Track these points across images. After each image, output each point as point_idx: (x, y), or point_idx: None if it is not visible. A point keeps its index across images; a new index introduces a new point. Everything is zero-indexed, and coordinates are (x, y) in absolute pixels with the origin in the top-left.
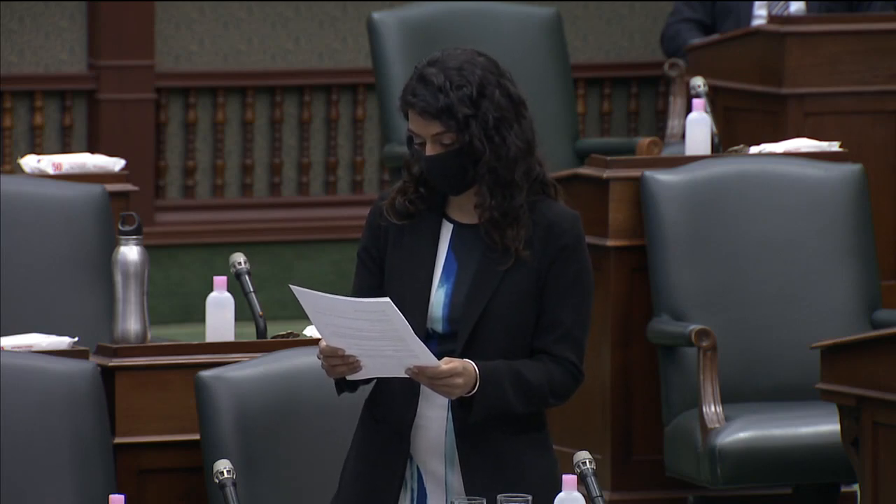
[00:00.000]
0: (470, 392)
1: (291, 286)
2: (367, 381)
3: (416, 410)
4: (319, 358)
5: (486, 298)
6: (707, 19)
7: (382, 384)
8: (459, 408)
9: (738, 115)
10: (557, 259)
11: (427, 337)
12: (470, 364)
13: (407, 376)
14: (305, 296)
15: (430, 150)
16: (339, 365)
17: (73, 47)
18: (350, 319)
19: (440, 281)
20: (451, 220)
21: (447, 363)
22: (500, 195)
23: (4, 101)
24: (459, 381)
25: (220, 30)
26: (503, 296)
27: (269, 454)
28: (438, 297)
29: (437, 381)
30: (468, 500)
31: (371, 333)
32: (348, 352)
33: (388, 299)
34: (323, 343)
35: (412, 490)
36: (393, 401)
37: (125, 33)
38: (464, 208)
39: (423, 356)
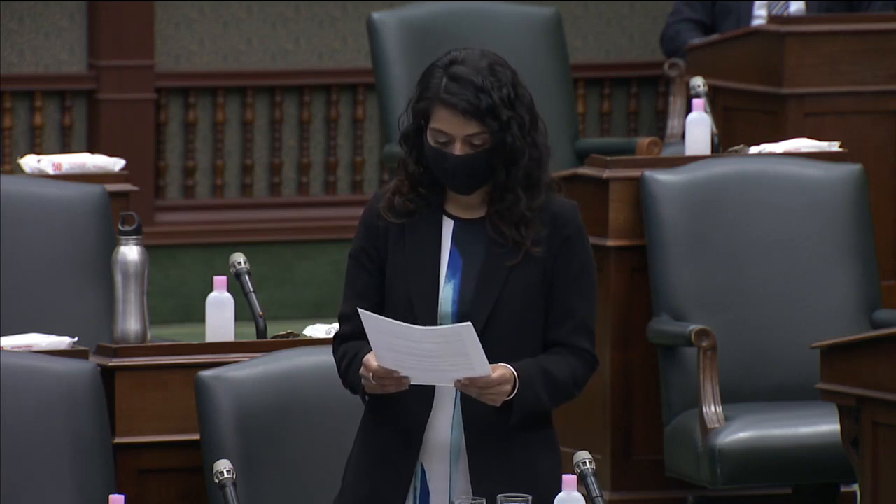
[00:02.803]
0: (509, 396)
1: (360, 310)
2: None
3: (431, 408)
4: (365, 376)
5: (497, 292)
6: (707, 19)
7: None
8: (497, 411)
9: (738, 115)
10: (563, 250)
11: None
12: (508, 369)
13: (451, 385)
14: (371, 320)
15: (460, 150)
16: (389, 385)
17: (73, 47)
18: (418, 343)
19: (447, 277)
20: (450, 216)
21: (496, 371)
22: (530, 196)
23: (4, 101)
24: (507, 387)
25: (220, 30)
26: (512, 288)
27: (269, 454)
28: (446, 292)
29: (487, 389)
30: (468, 500)
31: (436, 352)
32: (402, 372)
33: (469, 324)
34: (374, 364)
35: (415, 488)
36: (405, 399)
37: (125, 33)
38: (463, 204)
39: (479, 369)
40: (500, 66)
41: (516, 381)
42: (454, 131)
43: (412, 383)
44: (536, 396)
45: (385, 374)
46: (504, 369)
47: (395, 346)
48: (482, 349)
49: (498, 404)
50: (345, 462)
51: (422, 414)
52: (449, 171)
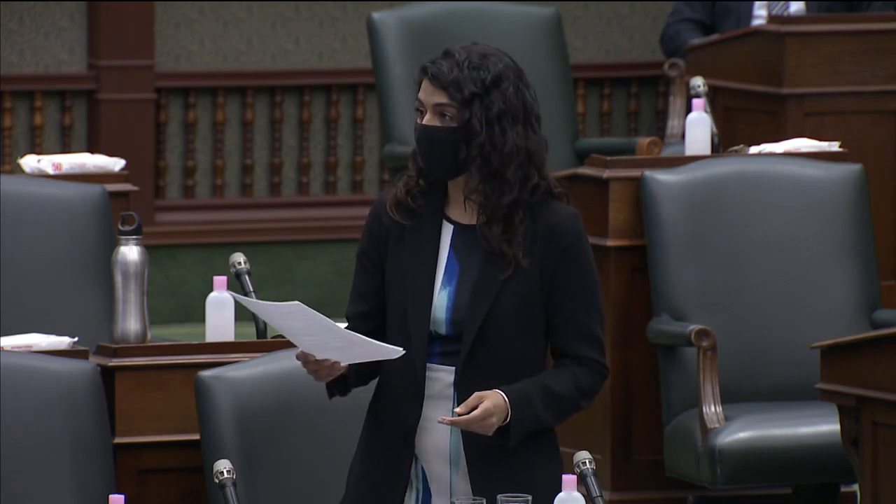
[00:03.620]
0: (505, 421)
1: (233, 295)
2: (360, 382)
3: (420, 413)
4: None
5: (491, 299)
6: (707, 19)
7: (385, 387)
8: (496, 435)
9: (738, 115)
10: (563, 259)
11: (429, 339)
12: (498, 395)
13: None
14: (247, 303)
15: (427, 120)
16: (318, 370)
17: (73, 47)
18: (285, 322)
19: (442, 283)
20: (451, 221)
21: (478, 403)
22: (490, 186)
23: (4, 101)
24: (493, 420)
25: (220, 30)
26: (507, 297)
27: (269, 454)
28: (441, 299)
29: (472, 425)
30: (468, 500)
31: (309, 330)
32: (319, 355)
33: (297, 302)
34: (299, 350)
35: (417, 490)
36: (397, 404)
37: (125, 33)
38: (462, 208)
39: (363, 343)
40: (494, 58)
41: (508, 407)
42: (426, 99)
43: (353, 361)
44: (535, 416)
45: (303, 358)
46: (490, 400)
47: (286, 326)
48: (337, 325)
49: (490, 433)
50: (344, 461)
51: (412, 416)
52: (417, 143)
